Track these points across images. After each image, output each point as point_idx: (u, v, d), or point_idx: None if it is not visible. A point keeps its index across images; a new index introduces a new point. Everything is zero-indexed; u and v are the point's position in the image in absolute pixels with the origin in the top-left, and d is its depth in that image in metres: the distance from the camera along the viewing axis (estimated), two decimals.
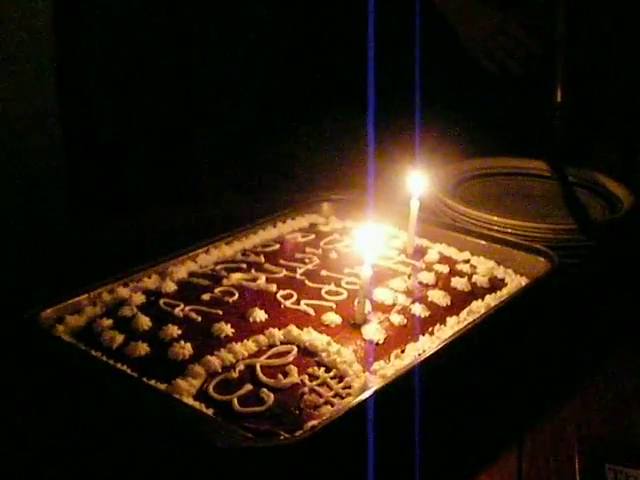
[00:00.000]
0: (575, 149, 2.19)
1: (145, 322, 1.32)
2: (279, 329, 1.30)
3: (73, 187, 2.78)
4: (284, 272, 1.52)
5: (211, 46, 2.80)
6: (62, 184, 2.77)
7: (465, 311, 1.39)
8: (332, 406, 1.13)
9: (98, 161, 2.84)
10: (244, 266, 1.54)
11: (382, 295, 1.42)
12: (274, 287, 1.45)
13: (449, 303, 1.43)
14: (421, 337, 1.31)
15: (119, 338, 1.27)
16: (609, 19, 2.34)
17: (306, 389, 1.16)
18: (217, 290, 1.44)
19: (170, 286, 1.45)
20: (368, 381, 1.16)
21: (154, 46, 2.77)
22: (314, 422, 1.08)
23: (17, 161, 2.67)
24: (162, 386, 1.15)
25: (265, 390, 1.15)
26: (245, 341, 1.26)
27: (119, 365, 1.20)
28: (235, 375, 1.19)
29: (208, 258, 1.56)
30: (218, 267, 1.54)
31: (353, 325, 1.33)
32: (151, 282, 1.46)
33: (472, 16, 2.36)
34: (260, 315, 1.35)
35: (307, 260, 1.58)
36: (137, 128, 2.82)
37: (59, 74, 2.71)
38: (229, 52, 2.78)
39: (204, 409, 1.11)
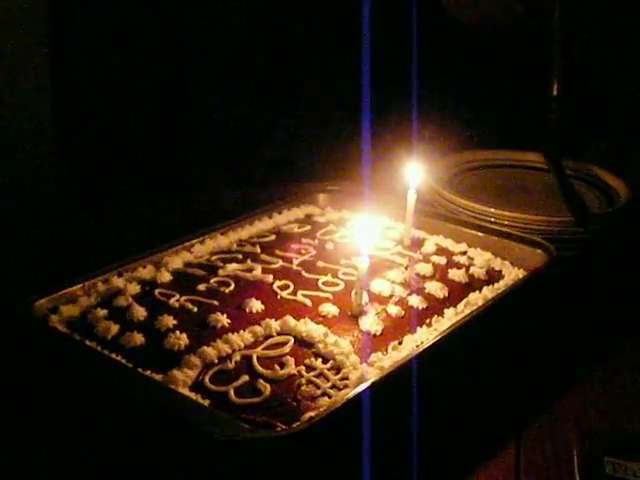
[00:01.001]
0: (572, 142, 2.18)
1: (140, 312, 1.31)
2: (276, 320, 1.29)
3: (68, 179, 2.77)
4: (280, 263, 1.51)
5: (207, 39, 2.79)
6: (57, 176, 2.77)
7: (462, 303, 1.39)
8: (329, 397, 1.12)
9: (93, 153, 2.83)
10: (240, 257, 1.53)
11: (379, 286, 1.42)
12: (270, 278, 1.44)
13: (446, 295, 1.42)
14: (418, 329, 1.30)
15: (114, 328, 1.26)
16: (606, 12, 2.33)
17: (303, 380, 1.15)
18: (213, 280, 1.43)
19: (165, 276, 1.44)
20: (365, 373, 1.15)
21: (149, 40, 2.76)
22: (311, 413, 1.07)
23: (12, 154, 2.66)
24: (158, 377, 1.14)
25: (262, 381, 1.14)
26: (241, 332, 1.25)
27: (114, 355, 1.19)
28: (231, 366, 1.18)
29: (203, 248, 1.55)
30: (214, 257, 1.53)
31: (350, 316, 1.33)
32: (146, 272, 1.45)
33: None
34: (256, 306, 1.34)
35: (303, 251, 1.57)
36: (132, 121, 2.81)
37: (53, 68, 2.71)
38: (224, 45, 2.77)
39: (200, 400, 1.10)
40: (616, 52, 2.36)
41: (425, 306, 1.38)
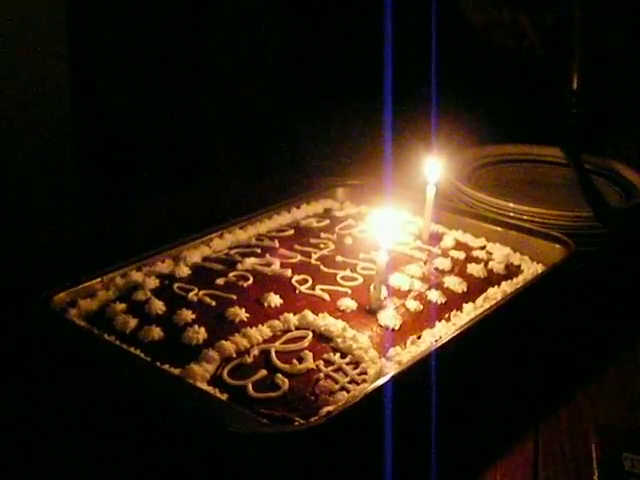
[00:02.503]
0: (592, 136, 2.17)
1: (159, 306, 1.31)
2: (294, 314, 1.29)
3: (87, 174, 2.78)
4: (299, 257, 1.51)
5: (222, 37, 2.79)
6: (76, 171, 2.78)
7: (481, 298, 1.38)
8: (347, 392, 1.12)
9: (111, 147, 2.83)
10: (258, 251, 1.53)
11: (398, 281, 1.41)
12: (289, 272, 1.44)
13: (465, 289, 1.42)
14: (437, 323, 1.30)
15: (132, 322, 1.26)
16: (626, 5, 2.32)
17: (321, 375, 1.15)
18: (231, 275, 1.43)
19: (184, 270, 1.44)
20: (384, 367, 1.15)
21: (165, 38, 2.76)
22: (329, 408, 1.07)
23: (32, 149, 2.68)
24: (176, 371, 1.14)
25: (280, 375, 1.14)
26: (260, 326, 1.25)
27: (132, 349, 1.20)
28: (250, 360, 1.18)
29: (222, 243, 1.55)
30: (232, 252, 1.53)
31: (369, 311, 1.32)
32: (165, 266, 1.45)
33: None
34: (275, 300, 1.34)
35: (322, 245, 1.57)
36: (149, 115, 2.81)
37: (71, 66, 2.72)
38: (240, 42, 2.77)
39: (218, 394, 1.10)
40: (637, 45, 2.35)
41: (444, 301, 1.37)
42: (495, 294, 1.39)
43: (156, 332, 1.23)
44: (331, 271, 1.46)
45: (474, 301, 1.37)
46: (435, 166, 1.60)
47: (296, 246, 1.56)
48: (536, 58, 2.34)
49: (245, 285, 1.40)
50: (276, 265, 1.47)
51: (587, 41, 2.09)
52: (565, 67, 2.09)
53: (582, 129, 2.09)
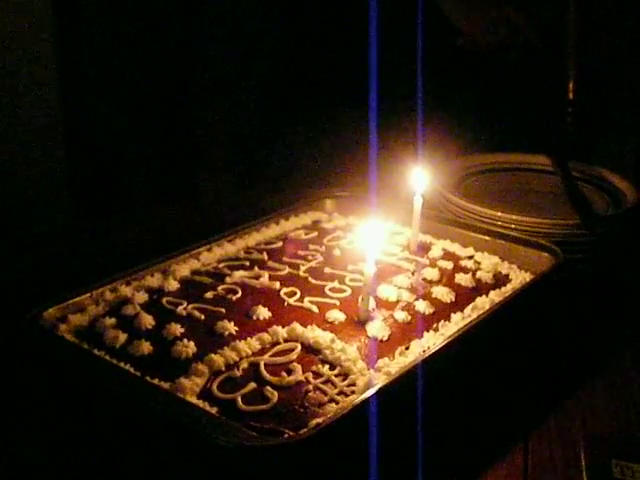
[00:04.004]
0: (585, 145, 2.18)
1: (148, 321, 1.31)
2: (283, 327, 1.29)
3: (75, 187, 2.78)
4: (287, 269, 1.52)
5: (211, 43, 2.79)
6: (64, 184, 2.77)
7: (469, 307, 1.39)
8: (337, 404, 1.12)
9: (99, 161, 2.83)
10: (247, 264, 1.54)
11: (386, 292, 1.42)
12: (277, 285, 1.45)
13: (453, 299, 1.42)
14: (425, 334, 1.30)
15: (122, 337, 1.26)
16: (621, 14, 2.33)
17: (310, 387, 1.15)
18: (220, 288, 1.44)
19: (173, 284, 1.44)
20: (372, 378, 1.15)
21: (155, 50, 2.77)
22: (318, 420, 1.08)
23: (19, 163, 2.67)
24: (165, 385, 1.15)
25: (269, 388, 1.14)
26: (249, 339, 1.26)
27: (122, 364, 1.20)
28: (239, 373, 1.18)
29: (211, 256, 1.55)
30: (221, 265, 1.53)
31: (357, 322, 1.33)
32: (154, 280, 1.45)
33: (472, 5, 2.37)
34: (263, 313, 1.34)
35: (310, 257, 1.57)
36: (137, 128, 2.82)
37: (60, 75, 2.72)
38: (229, 49, 2.77)
39: (208, 408, 1.10)
40: (628, 54, 2.36)
41: (432, 311, 1.38)
42: (484, 303, 1.39)
43: (145, 346, 1.24)
44: (319, 283, 1.46)
45: (462, 311, 1.38)
46: (422, 176, 1.60)
47: (284, 258, 1.56)
48: (535, 50, 2.34)
49: (234, 298, 1.40)
50: (265, 278, 1.47)
51: (582, 51, 2.10)
52: (560, 69, 2.10)
53: (577, 138, 2.10)
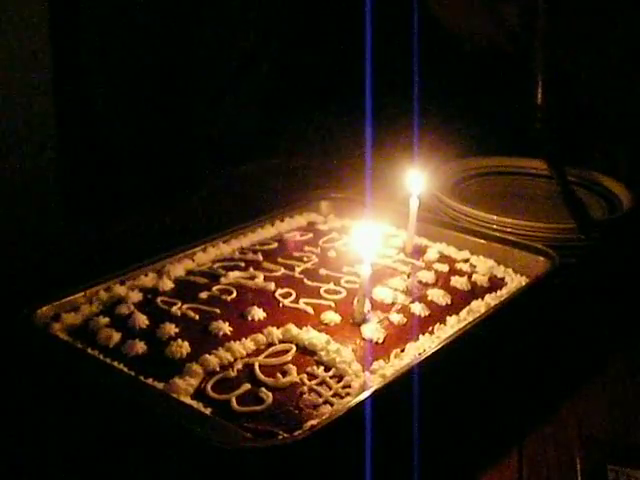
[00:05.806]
0: (575, 149, 2.18)
1: (142, 320, 1.30)
2: (278, 328, 1.29)
3: (69, 187, 2.77)
4: (282, 270, 1.51)
5: (209, 44, 2.79)
6: (57, 184, 2.76)
7: (465, 310, 1.38)
8: (331, 406, 1.12)
9: (94, 161, 2.82)
10: (242, 264, 1.53)
11: (381, 294, 1.41)
12: (272, 285, 1.44)
13: (449, 302, 1.42)
14: (421, 336, 1.30)
15: (116, 336, 1.26)
16: (591, 18, 2.32)
17: (305, 388, 1.15)
18: (215, 288, 1.43)
19: (167, 284, 1.44)
20: (367, 380, 1.15)
21: (153, 50, 2.76)
22: (313, 422, 1.07)
23: (12, 162, 2.66)
24: (160, 385, 1.14)
25: (264, 389, 1.14)
26: (243, 340, 1.25)
27: (116, 364, 1.19)
28: (233, 374, 1.18)
29: (205, 256, 1.55)
30: (216, 265, 1.52)
31: (352, 324, 1.32)
32: (148, 280, 1.45)
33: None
34: (258, 314, 1.34)
35: (306, 259, 1.57)
36: (132, 128, 2.80)
37: (56, 75, 2.71)
38: (227, 51, 2.77)
39: (202, 408, 1.10)
40: (602, 59, 2.35)
41: (427, 314, 1.37)
42: (479, 307, 1.39)
43: (139, 346, 1.23)
44: (315, 284, 1.46)
45: (458, 314, 1.38)
46: (418, 179, 1.60)
47: (280, 259, 1.56)
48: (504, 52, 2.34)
49: (229, 299, 1.40)
50: (260, 279, 1.47)
51: (551, 56, 2.09)
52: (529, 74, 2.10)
53: (561, 142, 2.09)
